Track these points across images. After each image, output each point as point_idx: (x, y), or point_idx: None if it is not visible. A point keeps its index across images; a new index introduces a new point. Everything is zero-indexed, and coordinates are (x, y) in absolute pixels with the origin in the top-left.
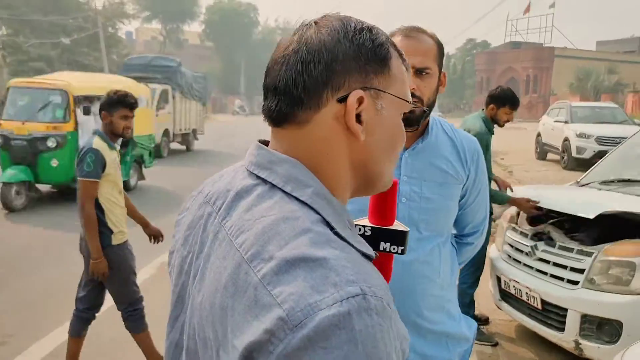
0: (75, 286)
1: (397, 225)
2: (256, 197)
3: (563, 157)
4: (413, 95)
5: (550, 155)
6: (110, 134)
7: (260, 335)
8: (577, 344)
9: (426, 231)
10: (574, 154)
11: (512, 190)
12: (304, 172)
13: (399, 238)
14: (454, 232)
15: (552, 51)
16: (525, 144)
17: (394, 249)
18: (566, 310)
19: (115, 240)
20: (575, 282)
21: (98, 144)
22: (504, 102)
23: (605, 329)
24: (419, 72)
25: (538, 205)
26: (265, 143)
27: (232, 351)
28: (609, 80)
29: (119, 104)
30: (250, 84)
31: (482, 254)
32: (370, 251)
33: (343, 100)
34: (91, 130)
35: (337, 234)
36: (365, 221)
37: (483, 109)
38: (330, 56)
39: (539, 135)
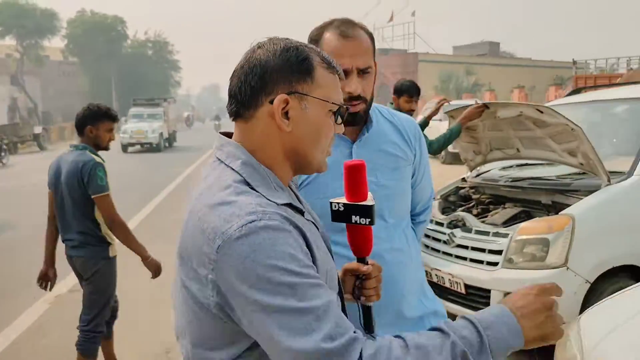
0: None
1: (367, 201)
2: (210, 168)
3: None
4: (358, 97)
5: None
6: (94, 146)
7: (200, 254)
8: None
9: (391, 218)
10: (450, 149)
11: (448, 102)
12: (241, 151)
13: (366, 211)
14: (413, 219)
15: (417, 56)
16: None
17: (362, 221)
18: (489, 291)
19: (112, 252)
20: (495, 264)
21: (97, 158)
22: (401, 92)
23: None
24: (361, 72)
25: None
26: (229, 135)
27: (190, 268)
28: (467, 81)
29: (104, 117)
30: (123, 97)
31: None
32: (282, 200)
33: (273, 102)
34: (68, 147)
35: (253, 189)
36: (342, 199)
37: (391, 103)
38: (263, 70)
39: None
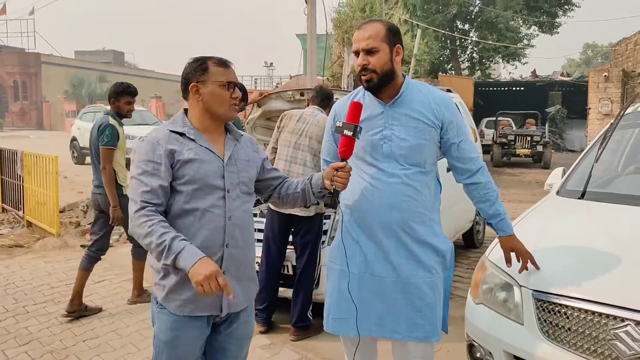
0: None
1: (354, 124)
2: None
3: None
4: (366, 68)
5: (88, 159)
6: (118, 115)
7: None
8: None
9: (405, 162)
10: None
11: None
12: (179, 115)
13: (352, 128)
14: (464, 179)
15: (39, 57)
16: (54, 150)
17: (348, 133)
18: (321, 267)
19: (125, 191)
20: (323, 242)
21: (112, 121)
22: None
23: None
24: (367, 52)
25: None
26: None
27: None
28: (101, 88)
29: (124, 93)
30: None
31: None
32: (176, 128)
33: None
34: (102, 111)
35: (168, 129)
36: (343, 120)
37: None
38: (184, 73)
39: (74, 139)
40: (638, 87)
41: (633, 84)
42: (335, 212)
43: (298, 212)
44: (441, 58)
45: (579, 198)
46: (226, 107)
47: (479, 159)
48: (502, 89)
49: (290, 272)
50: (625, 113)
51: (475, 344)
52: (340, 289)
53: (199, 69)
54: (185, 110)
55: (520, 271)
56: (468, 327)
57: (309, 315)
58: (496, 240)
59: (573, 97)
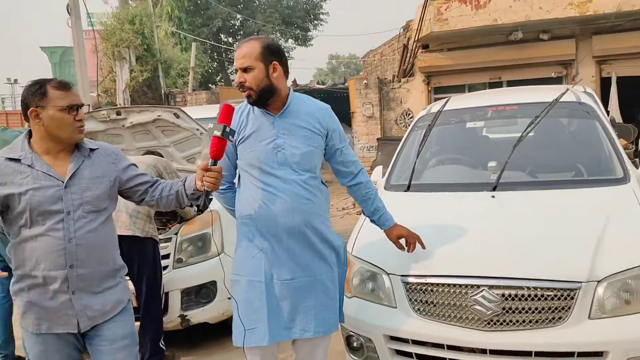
0: None
1: (224, 125)
2: None
3: None
4: (244, 85)
5: None
6: None
7: None
8: (183, 317)
9: (299, 169)
10: None
11: None
12: (19, 138)
13: (220, 128)
14: (348, 182)
15: None
16: None
17: (217, 133)
18: (167, 293)
19: None
20: (166, 267)
21: None
22: None
23: (203, 293)
24: (244, 70)
25: None
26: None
27: None
28: None
29: None
30: None
31: None
32: (11, 154)
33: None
34: None
35: (3, 157)
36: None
37: None
38: (23, 96)
39: None
40: (391, 92)
41: (387, 90)
42: (176, 234)
43: (121, 230)
44: (210, 70)
45: (405, 191)
46: (69, 130)
47: (359, 162)
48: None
49: (134, 304)
50: (421, 116)
51: (354, 334)
52: (249, 300)
53: (37, 94)
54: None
55: (410, 251)
56: (344, 319)
57: (161, 346)
58: (353, 236)
59: (331, 103)
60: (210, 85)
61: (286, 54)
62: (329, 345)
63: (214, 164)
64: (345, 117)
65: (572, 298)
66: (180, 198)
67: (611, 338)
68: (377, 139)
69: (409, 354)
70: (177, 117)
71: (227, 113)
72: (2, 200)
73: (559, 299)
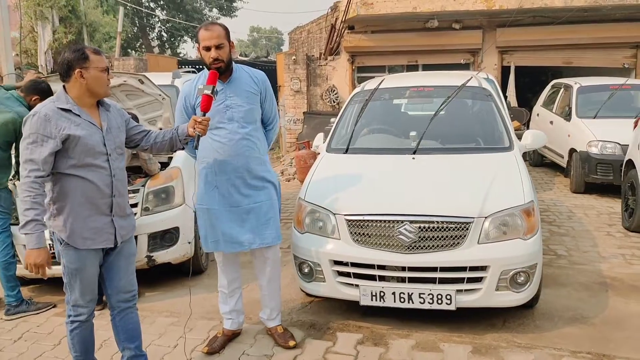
0: None
1: (213, 85)
2: None
3: None
4: (218, 59)
5: None
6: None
7: None
8: (150, 258)
9: (244, 123)
10: None
11: None
12: (60, 92)
13: (210, 88)
14: (267, 128)
15: None
16: None
17: (207, 92)
18: (136, 237)
19: None
20: (134, 214)
21: None
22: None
23: (167, 237)
24: (217, 47)
25: None
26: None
27: None
28: None
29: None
30: None
31: None
32: (63, 105)
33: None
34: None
35: (54, 102)
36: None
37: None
38: (66, 60)
39: None
40: (318, 69)
41: (314, 66)
42: (143, 187)
43: None
44: (130, 35)
45: (344, 153)
46: (105, 87)
47: (277, 116)
48: (201, 67)
49: None
50: (356, 92)
51: (305, 261)
52: (211, 222)
53: (81, 58)
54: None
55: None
56: (298, 251)
57: None
58: (305, 185)
59: None
60: (129, 50)
61: None
62: (279, 259)
63: (204, 115)
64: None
65: (467, 229)
66: (174, 142)
67: (492, 257)
68: (304, 112)
69: (348, 274)
70: (142, 82)
71: (214, 77)
72: (64, 139)
73: (458, 229)
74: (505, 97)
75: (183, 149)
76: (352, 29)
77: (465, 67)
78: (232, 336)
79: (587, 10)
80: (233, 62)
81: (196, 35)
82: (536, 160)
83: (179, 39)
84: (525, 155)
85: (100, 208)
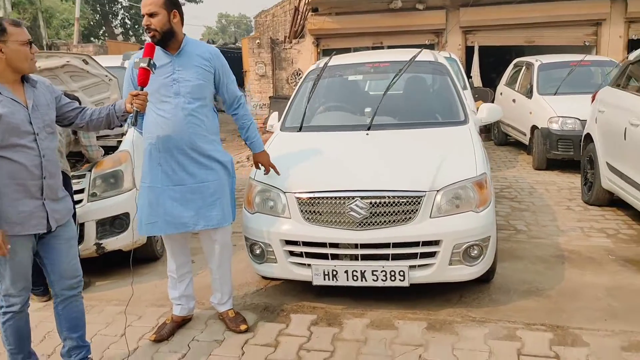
0: None
1: (149, 58)
2: None
3: None
4: (150, 28)
5: None
6: None
7: None
8: (99, 245)
9: (191, 98)
10: None
11: None
12: None
13: (146, 61)
14: (231, 111)
15: None
16: None
17: (143, 64)
18: (83, 224)
19: None
20: (81, 201)
21: None
22: None
23: (117, 223)
24: (150, 15)
25: None
26: None
27: None
28: None
29: None
30: None
31: None
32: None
33: None
34: None
35: None
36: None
37: None
38: None
39: None
40: (283, 52)
41: (279, 50)
42: (90, 172)
43: None
44: (92, 22)
45: (298, 131)
46: (28, 62)
47: (242, 97)
48: None
49: None
50: (311, 70)
51: (256, 242)
52: (150, 201)
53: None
54: None
55: (265, 174)
56: (248, 232)
57: None
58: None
59: None
60: (92, 39)
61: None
62: (230, 242)
63: (141, 89)
64: (237, 76)
65: (419, 203)
66: (111, 119)
67: (444, 230)
68: (270, 97)
69: (300, 254)
70: (86, 63)
71: (151, 49)
72: None
73: (409, 204)
74: (470, 77)
75: (121, 126)
76: (316, 11)
77: (430, 47)
78: (181, 322)
79: None
80: (185, 35)
81: None
82: (501, 139)
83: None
84: (491, 135)
85: (30, 191)
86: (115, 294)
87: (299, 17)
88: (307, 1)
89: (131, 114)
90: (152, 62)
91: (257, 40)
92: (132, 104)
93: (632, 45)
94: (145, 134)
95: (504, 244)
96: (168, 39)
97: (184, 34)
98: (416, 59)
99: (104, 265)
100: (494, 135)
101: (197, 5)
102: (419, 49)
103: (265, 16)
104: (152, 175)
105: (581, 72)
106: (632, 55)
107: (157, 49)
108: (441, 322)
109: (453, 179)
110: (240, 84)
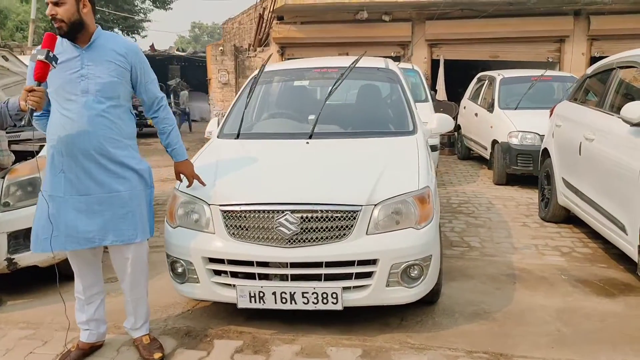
0: None
1: (47, 50)
2: None
3: None
4: (55, 18)
5: None
6: None
7: None
8: (10, 260)
9: (101, 97)
10: None
11: None
12: None
13: (44, 53)
14: (150, 114)
15: None
16: None
17: (41, 57)
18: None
19: None
20: None
21: None
22: None
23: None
24: (55, 4)
25: None
26: None
27: None
28: None
29: None
30: None
31: None
32: None
33: None
34: None
35: None
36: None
37: None
38: None
39: None
40: (247, 60)
41: (243, 58)
42: (3, 178)
43: None
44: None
45: (235, 138)
46: None
47: (164, 99)
48: None
49: None
50: (253, 75)
51: (177, 260)
52: (50, 212)
53: None
54: None
55: (187, 186)
56: (169, 248)
57: None
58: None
59: (189, 71)
60: None
61: (142, 15)
62: (146, 260)
63: (38, 85)
64: (203, 84)
65: (354, 218)
66: (3, 117)
67: (381, 248)
68: None
69: (224, 272)
70: (6, 59)
71: (50, 40)
72: None
73: (344, 219)
74: (435, 91)
75: (15, 125)
76: (281, 20)
77: (396, 60)
78: (89, 350)
79: (512, 3)
80: (98, 27)
81: None
82: (464, 153)
83: (107, 30)
84: (454, 149)
85: None
86: (26, 316)
87: (264, 24)
88: (272, 9)
89: (26, 112)
90: (51, 54)
91: (220, 48)
92: (26, 101)
93: (594, 62)
94: (48, 136)
95: (455, 262)
96: (77, 31)
97: (97, 26)
98: (366, 66)
99: (21, 282)
100: (457, 149)
101: (167, 12)
102: (361, 54)
103: (232, 24)
104: (53, 183)
105: (543, 87)
106: (590, 69)
107: (64, 41)
108: (377, 350)
109: (392, 193)
110: (205, 91)
